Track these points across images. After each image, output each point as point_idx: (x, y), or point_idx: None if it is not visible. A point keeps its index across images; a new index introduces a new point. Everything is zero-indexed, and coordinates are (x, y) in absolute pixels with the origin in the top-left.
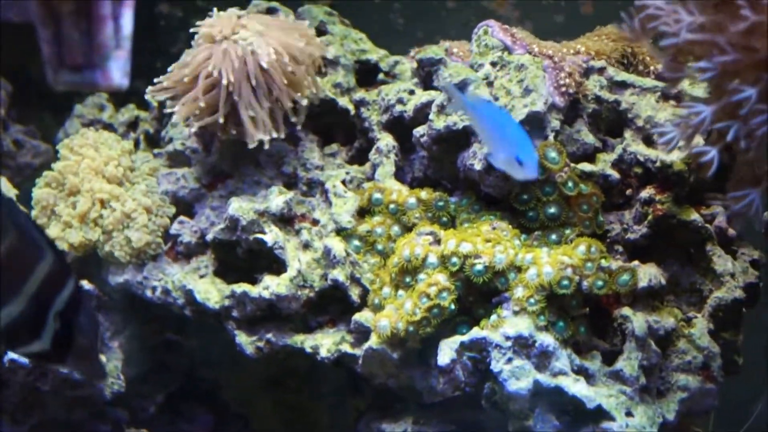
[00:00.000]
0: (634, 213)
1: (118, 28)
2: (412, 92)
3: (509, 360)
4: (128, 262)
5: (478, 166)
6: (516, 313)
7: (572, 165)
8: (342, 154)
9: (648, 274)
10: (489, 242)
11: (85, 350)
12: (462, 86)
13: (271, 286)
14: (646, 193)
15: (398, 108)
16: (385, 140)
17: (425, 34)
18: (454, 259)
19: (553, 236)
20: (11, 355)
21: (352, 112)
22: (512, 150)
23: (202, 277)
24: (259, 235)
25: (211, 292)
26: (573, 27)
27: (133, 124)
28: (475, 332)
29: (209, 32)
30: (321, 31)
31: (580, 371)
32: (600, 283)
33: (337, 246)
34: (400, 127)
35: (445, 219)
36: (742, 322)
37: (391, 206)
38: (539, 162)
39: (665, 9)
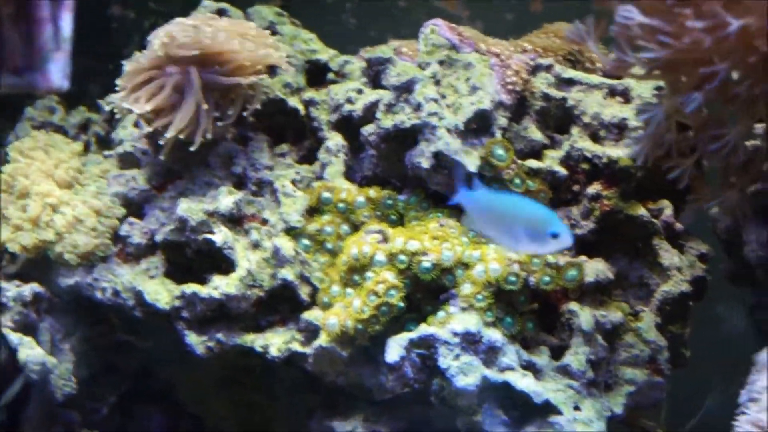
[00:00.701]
0: (581, 209)
1: (57, 30)
2: (360, 91)
3: (457, 356)
4: (78, 264)
5: (425, 164)
6: (463, 309)
7: (520, 162)
8: (292, 154)
9: (595, 269)
10: (436, 240)
11: None
12: (409, 85)
13: (220, 286)
14: (593, 188)
15: (347, 107)
16: (335, 139)
17: (377, 33)
18: (402, 257)
19: None
20: None
21: (302, 111)
22: (542, 227)
23: (152, 278)
24: (209, 236)
25: (161, 292)
26: (523, 25)
27: (84, 126)
28: (423, 329)
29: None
30: (271, 32)
31: (528, 366)
32: (547, 278)
33: (287, 245)
34: (349, 126)
35: (393, 217)
36: (689, 315)
37: (340, 205)
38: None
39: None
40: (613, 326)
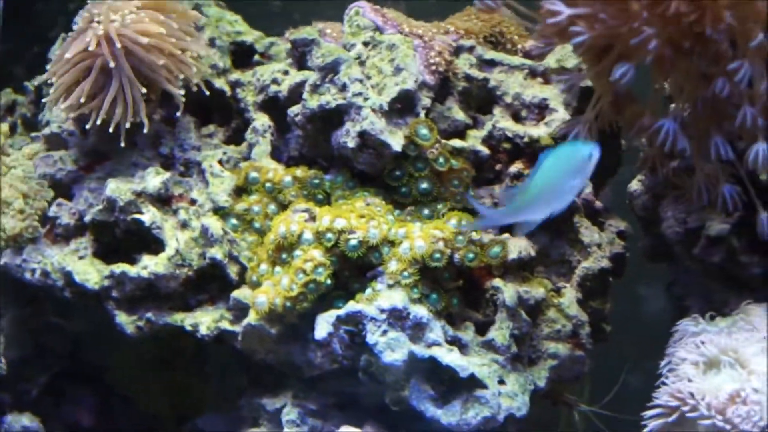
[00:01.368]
0: (504, 187)
1: None
2: (286, 72)
3: (384, 332)
4: (6, 246)
5: (351, 144)
6: (390, 286)
7: (443, 141)
8: (218, 135)
9: (518, 246)
10: (363, 218)
11: None
12: (334, 65)
13: (149, 265)
14: (515, 167)
15: (273, 88)
16: (261, 120)
17: (301, 15)
18: (329, 235)
19: (426, 211)
20: None
21: (228, 93)
22: (577, 160)
23: (81, 258)
24: (137, 216)
25: (90, 273)
26: (445, 8)
27: (10, 108)
28: (351, 306)
29: (87, 17)
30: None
31: (454, 342)
32: (471, 255)
33: (215, 225)
34: (275, 107)
35: (320, 196)
36: (609, 291)
37: (268, 185)
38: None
39: None
40: (536, 302)
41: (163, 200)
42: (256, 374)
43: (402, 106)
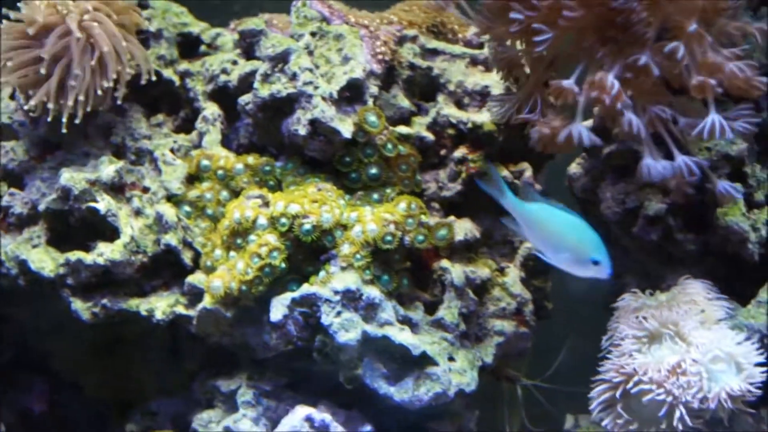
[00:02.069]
0: (448, 172)
1: None
2: (235, 62)
3: (338, 313)
4: None
5: (302, 132)
6: (343, 268)
7: (391, 128)
8: (168, 124)
9: (463, 228)
10: (315, 203)
11: None
12: (284, 55)
13: (105, 252)
14: (459, 152)
15: (223, 78)
16: (211, 109)
17: (242, 8)
18: (283, 220)
19: (375, 195)
20: None
21: (177, 83)
22: (586, 252)
23: (35, 247)
24: (92, 204)
25: (46, 261)
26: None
27: None
28: (306, 288)
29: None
30: (142, 6)
31: (405, 321)
32: (421, 237)
33: (169, 212)
34: (224, 96)
35: (272, 183)
36: (550, 269)
37: (219, 172)
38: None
39: None
40: (482, 281)
41: (116, 188)
42: (209, 357)
43: (351, 95)
